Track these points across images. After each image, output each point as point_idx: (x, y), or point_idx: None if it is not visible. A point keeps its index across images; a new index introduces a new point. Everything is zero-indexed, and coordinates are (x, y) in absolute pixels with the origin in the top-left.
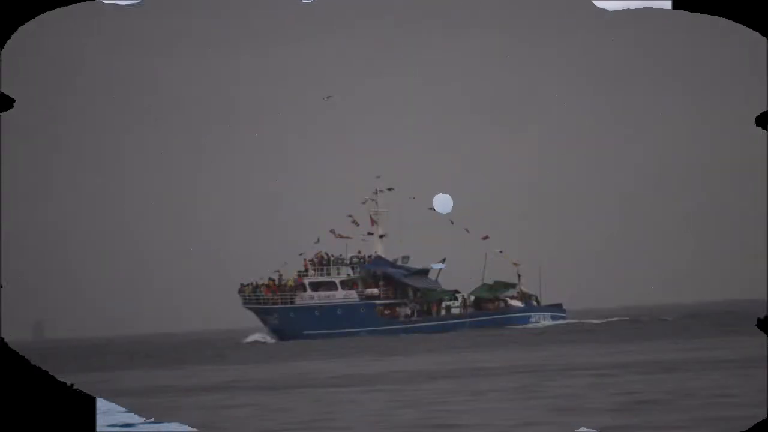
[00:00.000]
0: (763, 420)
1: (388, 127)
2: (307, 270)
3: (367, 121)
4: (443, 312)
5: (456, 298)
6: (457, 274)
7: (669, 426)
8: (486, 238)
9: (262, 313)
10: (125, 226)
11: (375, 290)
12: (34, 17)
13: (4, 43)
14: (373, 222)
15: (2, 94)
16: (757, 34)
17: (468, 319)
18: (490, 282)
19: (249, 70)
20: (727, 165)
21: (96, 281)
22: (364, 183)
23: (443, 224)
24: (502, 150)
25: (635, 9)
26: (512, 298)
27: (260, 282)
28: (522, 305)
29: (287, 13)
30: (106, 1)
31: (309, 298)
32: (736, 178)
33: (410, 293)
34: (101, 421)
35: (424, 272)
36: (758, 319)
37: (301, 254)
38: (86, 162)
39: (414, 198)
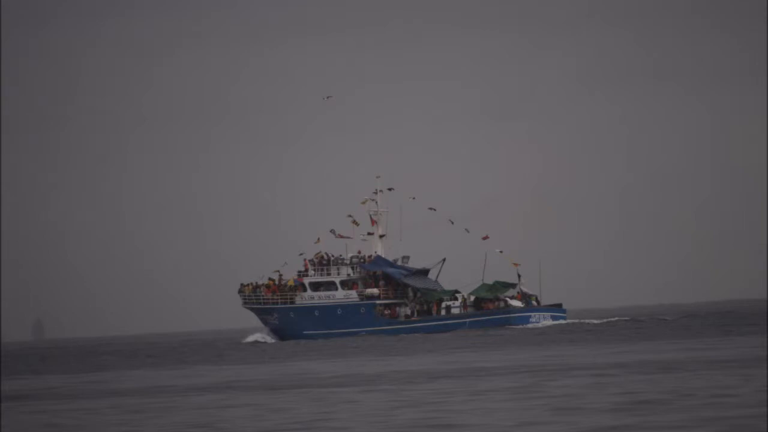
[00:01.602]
0: None
1: (388, 127)
2: (307, 270)
3: (367, 121)
4: (443, 312)
5: (456, 298)
6: (457, 274)
7: (669, 426)
8: (486, 238)
9: (262, 313)
10: (126, 227)
11: (375, 290)
12: None
13: None
14: (373, 222)
15: None
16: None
17: (468, 319)
18: (490, 282)
19: (249, 70)
20: (727, 165)
21: (96, 281)
22: (364, 183)
23: (443, 224)
24: (502, 150)
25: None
26: (512, 298)
27: (260, 282)
28: (522, 305)
29: (287, 13)
30: None
31: (309, 298)
32: (737, 177)
33: (410, 293)
34: None
35: (424, 272)
36: None
37: (301, 254)
38: (86, 162)
39: (414, 198)
